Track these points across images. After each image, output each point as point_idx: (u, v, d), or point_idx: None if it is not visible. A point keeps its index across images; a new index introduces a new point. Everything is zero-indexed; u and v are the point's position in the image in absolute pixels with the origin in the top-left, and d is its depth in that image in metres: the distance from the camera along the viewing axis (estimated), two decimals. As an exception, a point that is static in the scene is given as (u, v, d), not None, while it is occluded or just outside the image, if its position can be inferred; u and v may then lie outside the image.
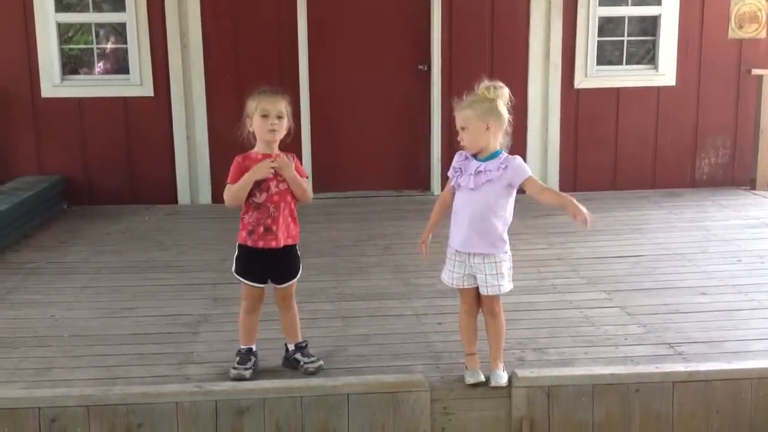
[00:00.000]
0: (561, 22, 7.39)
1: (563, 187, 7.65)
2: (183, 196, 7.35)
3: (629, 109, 7.61)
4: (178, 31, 7.12)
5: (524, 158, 7.53)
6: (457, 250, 3.51)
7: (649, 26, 7.64)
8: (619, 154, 7.63)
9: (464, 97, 3.53)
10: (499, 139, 3.55)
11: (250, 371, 3.65)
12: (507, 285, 3.51)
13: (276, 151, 3.62)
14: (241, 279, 3.67)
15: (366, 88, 7.52)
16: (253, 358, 3.71)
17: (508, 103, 3.56)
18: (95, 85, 7.32)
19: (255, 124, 3.58)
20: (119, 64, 7.37)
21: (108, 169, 7.29)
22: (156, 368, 3.78)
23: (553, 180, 7.65)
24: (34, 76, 7.12)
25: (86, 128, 7.24)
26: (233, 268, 3.69)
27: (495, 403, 3.54)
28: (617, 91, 7.56)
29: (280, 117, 3.56)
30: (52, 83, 7.16)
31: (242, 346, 3.73)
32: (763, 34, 7.61)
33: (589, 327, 4.25)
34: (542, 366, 3.74)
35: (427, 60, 7.47)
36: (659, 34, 7.56)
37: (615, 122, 7.57)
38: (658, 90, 7.62)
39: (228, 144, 7.06)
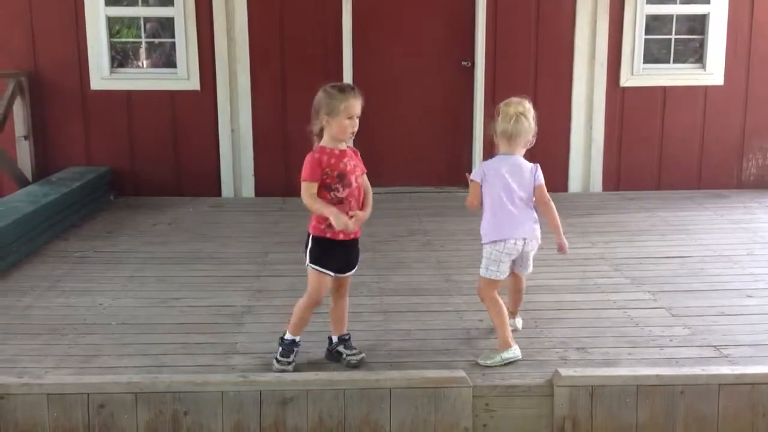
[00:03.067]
0: (607, 20, 7.32)
1: (606, 187, 7.62)
2: (227, 188, 7.44)
3: (676, 108, 7.50)
4: (225, 26, 7.19)
5: (567, 157, 7.66)
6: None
7: (698, 25, 7.53)
8: (664, 153, 7.53)
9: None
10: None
11: (293, 364, 3.69)
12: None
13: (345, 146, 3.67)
14: (320, 269, 3.67)
15: (409, 82, 7.52)
16: (296, 350, 3.74)
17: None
18: (143, 79, 7.42)
19: (337, 123, 3.60)
20: (167, 58, 7.46)
21: (154, 161, 7.40)
22: (201, 358, 3.84)
23: (597, 179, 7.59)
24: (84, 69, 7.25)
25: (133, 120, 7.36)
26: (307, 261, 3.70)
27: (537, 401, 3.53)
28: (664, 90, 7.47)
29: (357, 117, 3.65)
30: (101, 76, 7.28)
31: (289, 336, 3.74)
32: (815, 34, 7.46)
33: (633, 327, 4.21)
34: (585, 366, 3.72)
35: (471, 56, 7.45)
36: (708, 33, 7.45)
37: (661, 121, 7.48)
38: (706, 89, 7.50)
39: (271, 137, 7.31)
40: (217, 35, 7.20)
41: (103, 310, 4.52)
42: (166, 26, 7.36)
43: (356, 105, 3.63)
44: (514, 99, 3.96)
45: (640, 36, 7.38)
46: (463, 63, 7.48)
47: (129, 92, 7.33)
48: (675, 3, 7.48)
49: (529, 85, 7.42)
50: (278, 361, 3.70)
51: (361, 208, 3.73)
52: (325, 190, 3.62)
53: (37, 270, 5.25)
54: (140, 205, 7.06)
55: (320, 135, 3.67)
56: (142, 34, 7.43)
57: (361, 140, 7.45)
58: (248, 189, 7.46)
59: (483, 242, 3.89)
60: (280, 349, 3.73)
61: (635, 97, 7.48)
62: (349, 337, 3.83)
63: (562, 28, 7.37)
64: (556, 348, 3.94)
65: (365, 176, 3.80)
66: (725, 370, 3.62)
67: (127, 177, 7.39)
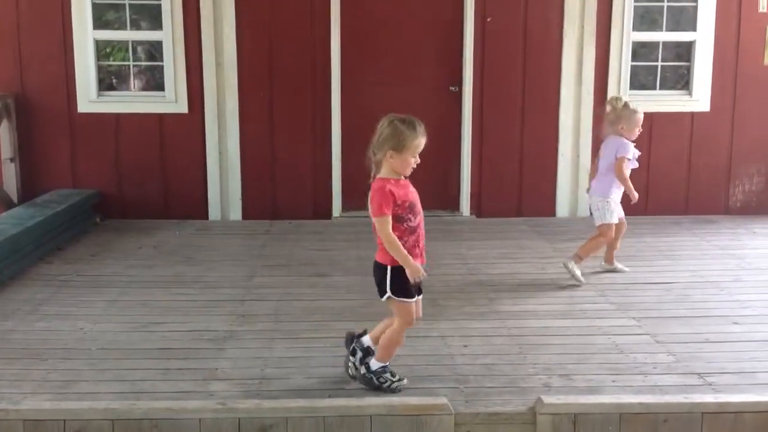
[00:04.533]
0: (594, 46, 7.37)
1: (594, 212, 7.61)
2: (214, 211, 7.42)
3: (662, 134, 7.53)
4: (213, 50, 7.21)
5: (555, 182, 7.66)
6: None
7: (684, 51, 7.58)
8: (652, 179, 7.54)
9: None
10: None
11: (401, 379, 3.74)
12: None
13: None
14: (407, 300, 3.68)
15: (397, 107, 7.35)
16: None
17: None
18: (131, 101, 7.41)
19: (402, 159, 3.60)
20: (155, 81, 7.46)
21: (141, 184, 7.38)
22: (181, 384, 3.80)
23: (585, 203, 7.58)
24: (71, 91, 7.24)
25: (121, 143, 7.34)
26: (389, 293, 3.67)
27: (520, 429, 3.50)
28: (651, 116, 7.43)
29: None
30: (89, 98, 7.28)
31: (380, 364, 3.75)
32: (799, 61, 7.52)
33: (617, 354, 4.19)
34: (569, 393, 3.69)
35: (459, 81, 7.48)
36: (694, 60, 7.50)
37: (648, 147, 7.48)
38: (692, 115, 7.55)
39: (259, 161, 7.31)
40: (206, 59, 7.21)
41: (84, 335, 4.47)
42: (157, 49, 7.37)
43: (423, 143, 3.64)
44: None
45: (627, 63, 7.43)
46: (451, 88, 7.51)
47: (117, 115, 7.32)
48: (662, 30, 7.53)
49: (516, 110, 7.47)
50: (398, 380, 3.72)
51: None
52: (396, 222, 3.59)
53: (20, 293, 5.21)
54: (126, 228, 7.03)
55: (379, 165, 3.64)
56: (131, 57, 7.43)
57: (349, 164, 7.54)
58: (235, 212, 7.44)
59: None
60: (388, 373, 3.73)
61: (622, 123, 7.50)
62: (373, 352, 3.80)
63: (549, 55, 7.41)
64: (540, 374, 3.91)
65: None
66: (709, 398, 3.59)
67: (114, 200, 7.37)
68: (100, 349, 4.25)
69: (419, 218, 3.68)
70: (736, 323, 4.65)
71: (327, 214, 7.48)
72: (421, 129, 3.63)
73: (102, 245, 6.50)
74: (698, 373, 3.92)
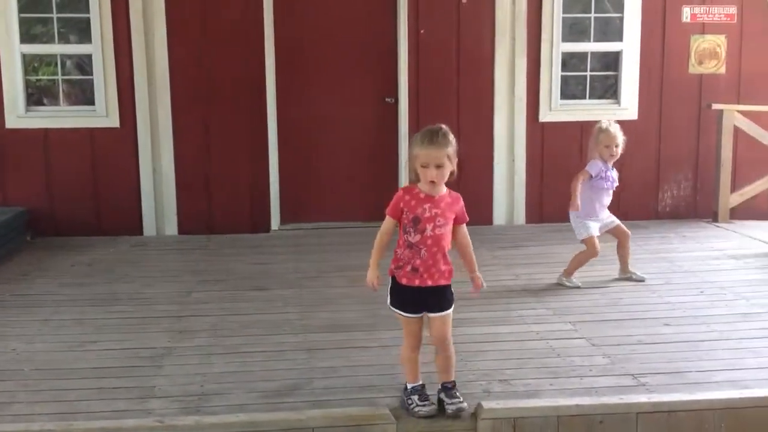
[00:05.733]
0: (525, 58, 7.51)
1: (530, 219, 7.76)
2: (149, 227, 7.30)
3: (593, 142, 7.70)
4: (145, 62, 7.11)
5: (491, 189, 7.77)
6: (599, 217, 5.66)
7: (612, 61, 7.79)
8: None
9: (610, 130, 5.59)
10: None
11: (429, 405, 3.58)
12: None
13: (441, 192, 3.55)
14: (395, 310, 3.62)
15: (333, 120, 7.56)
16: (428, 395, 3.63)
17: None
18: (60, 116, 7.25)
19: (412, 167, 3.54)
20: (85, 96, 7.32)
21: (73, 201, 7.22)
22: (117, 403, 3.73)
23: (521, 212, 7.73)
24: (-2, 107, 7.06)
25: (51, 159, 7.18)
26: (388, 302, 3.64)
27: (461, 436, 3.53)
28: (581, 125, 7.67)
29: (439, 167, 3.45)
30: (17, 114, 7.10)
31: (413, 384, 3.64)
32: (722, 70, 7.79)
33: (554, 358, 4.27)
34: (508, 398, 3.74)
35: (394, 92, 7.53)
36: (621, 69, 7.71)
37: (579, 155, 7.64)
38: (621, 124, 7.71)
39: (194, 174, 7.22)
40: (137, 72, 7.11)
41: (17, 356, 4.35)
42: (87, 62, 7.23)
43: (430, 155, 3.43)
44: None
45: (557, 73, 7.60)
46: (387, 100, 7.56)
47: (46, 130, 7.16)
48: (590, 41, 7.73)
49: (452, 120, 7.50)
50: (424, 406, 3.56)
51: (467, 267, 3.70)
52: (402, 231, 3.56)
53: (-53, 315, 5.05)
54: (59, 246, 6.87)
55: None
56: (59, 71, 7.28)
57: (287, 177, 7.52)
58: (171, 227, 7.34)
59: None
60: (416, 396, 3.61)
61: (554, 132, 7.68)
62: (452, 386, 3.64)
63: (482, 66, 7.53)
64: (480, 380, 3.95)
65: (463, 228, 3.64)
66: (642, 398, 3.68)
67: (45, 217, 7.19)
68: (34, 370, 4.14)
69: (421, 239, 3.50)
70: (667, 324, 4.79)
71: (266, 227, 7.43)
72: (430, 140, 3.44)
73: (33, 264, 6.34)
74: (632, 374, 4.02)
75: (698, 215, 7.89)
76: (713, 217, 7.77)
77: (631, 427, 3.57)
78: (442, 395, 3.63)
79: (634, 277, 5.76)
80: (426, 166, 3.46)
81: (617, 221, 5.78)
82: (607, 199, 5.69)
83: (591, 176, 5.55)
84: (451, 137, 3.51)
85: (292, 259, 6.44)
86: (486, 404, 3.57)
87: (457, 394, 3.61)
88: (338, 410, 3.58)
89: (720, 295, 5.37)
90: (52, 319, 4.97)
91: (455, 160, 3.53)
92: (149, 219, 7.30)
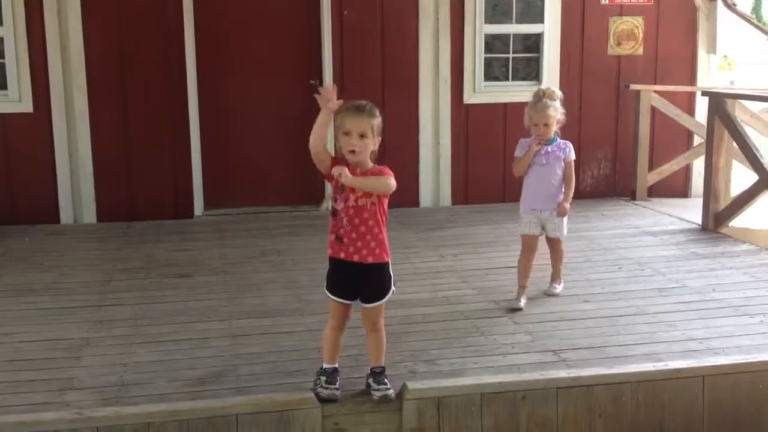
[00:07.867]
0: (449, 39, 7.54)
1: (456, 200, 7.81)
2: (66, 215, 7.09)
3: (516, 124, 7.75)
4: (59, 45, 6.88)
5: (417, 171, 7.80)
6: (531, 209, 4.84)
7: (533, 44, 7.88)
8: (508, 167, 7.72)
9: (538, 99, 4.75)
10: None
11: (339, 391, 3.54)
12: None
13: (368, 166, 3.49)
14: (327, 293, 3.59)
15: (257, 103, 7.45)
16: (338, 378, 3.59)
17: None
18: (-30, 101, 6.97)
19: (336, 138, 3.49)
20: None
21: (-16, 189, 6.95)
22: (34, 396, 3.61)
23: (446, 193, 7.78)
24: None
25: (-39, 146, 6.90)
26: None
27: (386, 417, 3.54)
28: (504, 106, 7.75)
29: (362, 136, 3.41)
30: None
31: (327, 365, 3.61)
32: (640, 51, 7.98)
33: (479, 337, 4.32)
34: (433, 377, 3.77)
35: (319, 75, 7.47)
36: (543, 51, 7.81)
37: (503, 136, 7.75)
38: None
39: (113, 159, 7.03)
40: (51, 55, 6.87)
41: (-76, 352, 4.17)
42: None
43: (354, 121, 3.40)
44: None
45: (480, 55, 7.65)
46: (311, 82, 7.48)
47: (-46, 116, 6.87)
48: (512, 23, 7.79)
49: (377, 101, 7.37)
50: (326, 388, 3.54)
51: None
52: (332, 200, 3.55)
53: None
54: (-30, 236, 6.61)
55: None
56: (-31, 55, 6.98)
57: (210, 161, 7.38)
58: (89, 215, 7.13)
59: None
60: (324, 377, 3.58)
61: (479, 113, 7.74)
62: (381, 371, 3.60)
63: (407, 48, 7.53)
64: (405, 362, 3.97)
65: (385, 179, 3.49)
66: (562, 373, 3.76)
67: (-46, 206, 6.91)
68: (-58, 366, 3.98)
69: (344, 207, 3.46)
70: (586, 301, 4.90)
71: (188, 213, 7.29)
72: (354, 109, 3.42)
73: (-57, 255, 6.09)
74: (553, 350, 4.10)
75: (617, 194, 8.09)
76: (632, 195, 7.98)
77: (551, 403, 3.64)
78: (370, 380, 3.62)
79: (550, 290, 5.02)
80: (348, 133, 3.42)
81: (559, 233, 4.90)
82: (547, 185, 4.79)
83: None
84: (377, 113, 3.49)
85: (216, 245, 6.34)
86: (411, 385, 3.60)
87: (386, 380, 3.59)
88: (262, 396, 3.55)
89: (638, 271, 5.52)
90: (-37, 312, 4.79)
91: (378, 139, 3.50)
92: (66, 207, 7.08)
